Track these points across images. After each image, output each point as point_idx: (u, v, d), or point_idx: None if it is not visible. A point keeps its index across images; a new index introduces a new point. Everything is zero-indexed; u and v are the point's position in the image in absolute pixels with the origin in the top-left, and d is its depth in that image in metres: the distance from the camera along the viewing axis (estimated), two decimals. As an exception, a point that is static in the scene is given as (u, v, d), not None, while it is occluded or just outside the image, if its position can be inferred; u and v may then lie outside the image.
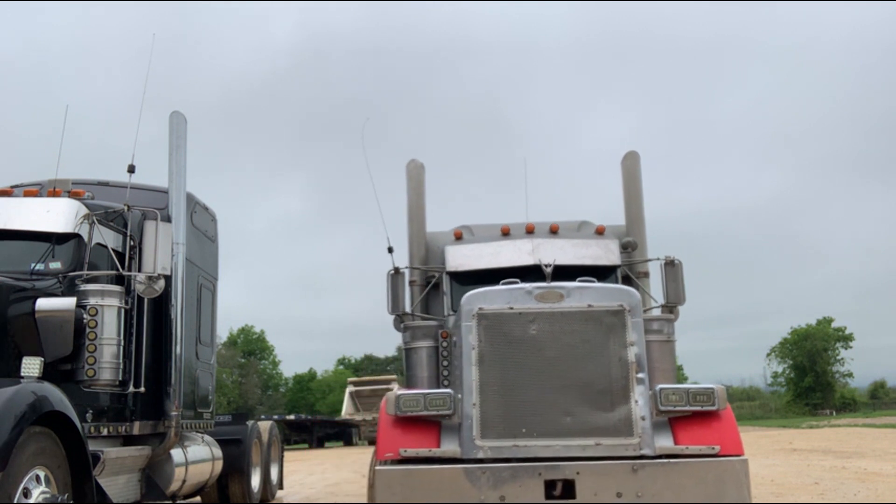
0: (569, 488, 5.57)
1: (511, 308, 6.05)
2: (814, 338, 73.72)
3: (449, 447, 5.83)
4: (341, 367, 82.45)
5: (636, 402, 5.83)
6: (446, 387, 6.81)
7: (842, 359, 75.38)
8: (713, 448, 5.72)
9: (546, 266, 6.86)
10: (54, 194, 7.13)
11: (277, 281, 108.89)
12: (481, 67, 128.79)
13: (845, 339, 75.40)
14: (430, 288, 8.04)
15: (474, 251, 7.90)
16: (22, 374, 5.23)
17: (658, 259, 7.84)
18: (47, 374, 5.47)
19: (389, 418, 6.13)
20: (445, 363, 7.07)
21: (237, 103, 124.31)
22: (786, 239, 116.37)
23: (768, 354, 77.99)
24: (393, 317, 7.96)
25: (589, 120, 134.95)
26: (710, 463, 5.66)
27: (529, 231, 7.99)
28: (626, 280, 7.80)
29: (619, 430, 5.78)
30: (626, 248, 7.99)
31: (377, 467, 5.85)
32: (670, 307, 7.43)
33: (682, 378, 77.84)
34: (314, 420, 43.38)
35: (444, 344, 7.11)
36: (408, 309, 7.87)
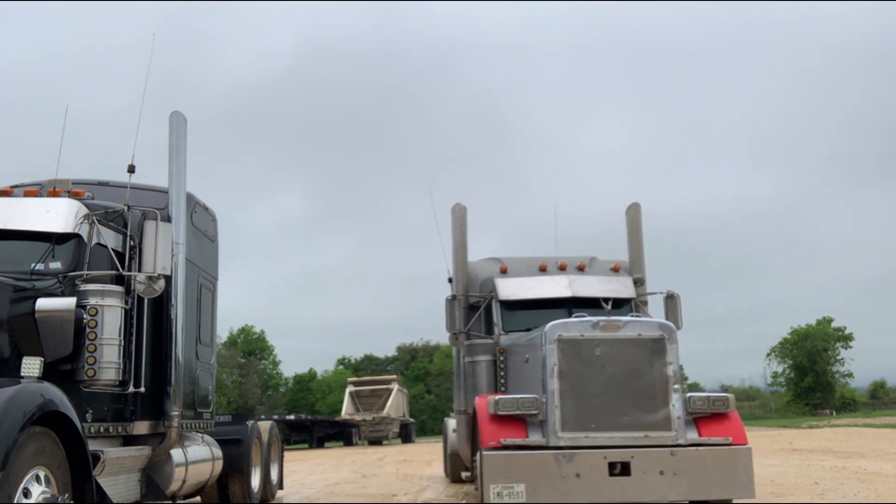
0: (625, 468, 7.41)
1: (582, 336, 7.80)
2: (814, 338, 73.64)
3: (535, 438, 7.63)
4: (341, 367, 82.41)
5: (673, 405, 7.65)
6: (503, 392, 8.77)
7: (842, 359, 75.34)
8: (727, 439, 7.66)
9: (605, 302, 9.24)
10: (54, 194, 7.12)
11: (278, 281, 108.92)
12: (482, 70, 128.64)
13: (845, 339, 75.31)
14: (476, 313, 9.95)
15: (521, 284, 9.80)
16: (22, 374, 5.23)
17: (661, 293, 9.81)
18: (47, 374, 5.46)
19: (488, 416, 7.84)
20: (502, 373, 9.09)
21: (239, 104, 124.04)
22: (785, 239, 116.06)
23: (768, 354, 77.96)
24: (449, 334, 9.88)
25: (588, 121, 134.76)
26: (725, 450, 7.59)
27: (562, 268, 10.05)
28: (636, 308, 9.67)
29: (661, 426, 7.61)
30: (636, 283, 9.89)
31: (484, 452, 7.62)
32: None
33: (680, 378, 77.95)
34: (314, 420, 43.40)
35: (501, 358, 9.14)
36: (464, 328, 9.80)
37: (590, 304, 9.27)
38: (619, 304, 9.50)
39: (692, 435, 7.67)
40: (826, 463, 15.93)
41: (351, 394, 43.37)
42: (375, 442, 42.24)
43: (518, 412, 7.72)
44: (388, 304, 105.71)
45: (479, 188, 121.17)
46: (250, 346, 74.57)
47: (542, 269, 10.02)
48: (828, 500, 9.78)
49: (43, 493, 4.82)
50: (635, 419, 7.58)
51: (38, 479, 4.81)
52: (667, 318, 9.25)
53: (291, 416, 42.88)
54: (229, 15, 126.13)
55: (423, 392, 71.82)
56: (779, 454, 19.64)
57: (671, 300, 9.64)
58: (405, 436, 45.02)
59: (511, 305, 9.68)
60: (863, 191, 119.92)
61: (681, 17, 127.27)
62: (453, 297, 9.75)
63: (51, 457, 4.95)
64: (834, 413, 65.68)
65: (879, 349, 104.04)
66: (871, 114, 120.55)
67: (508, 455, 7.47)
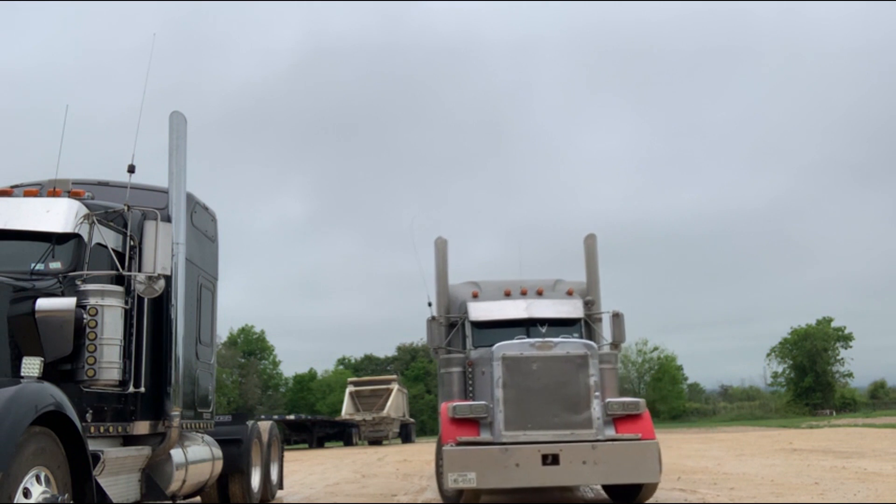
0: (555, 458, 9.08)
1: (521, 354, 9.63)
2: (814, 338, 73.53)
3: (485, 436, 9.40)
4: (341, 367, 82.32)
5: (594, 409, 9.42)
6: (471, 399, 10.28)
7: (842, 359, 75.18)
8: (637, 435, 9.35)
9: (542, 326, 11.02)
10: (54, 194, 7.12)
11: (278, 281, 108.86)
12: (483, 71, 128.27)
13: (845, 339, 75.20)
14: (454, 329, 11.53)
15: (488, 307, 11.41)
16: (22, 374, 5.24)
17: (608, 312, 11.31)
18: (47, 374, 5.47)
19: (448, 419, 9.64)
20: (470, 382, 10.49)
21: (240, 105, 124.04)
22: (785, 240, 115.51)
23: (768, 354, 77.77)
24: (431, 348, 11.45)
25: (587, 122, 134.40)
26: (636, 444, 9.27)
27: (523, 293, 11.66)
28: (587, 325, 11.33)
29: (584, 425, 9.34)
30: (588, 304, 11.53)
31: (444, 448, 9.32)
32: (616, 344, 11.01)
33: (681, 378, 78.08)
34: (314, 420, 43.40)
35: (470, 370, 10.55)
36: (441, 344, 11.31)
37: (544, 323, 11.11)
38: (571, 323, 11.23)
39: (610, 432, 9.41)
40: (826, 463, 15.93)
41: (351, 394, 43.34)
42: (375, 442, 42.24)
43: (472, 416, 9.53)
44: (388, 304, 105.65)
45: (479, 188, 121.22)
46: (250, 346, 74.50)
47: (507, 294, 11.69)
48: (828, 500, 9.78)
49: (43, 493, 4.82)
50: (563, 420, 9.33)
51: (38, 479, 4.81)
52: (613, 333, 11.04)
53: (291, 416, 42.86)
54: (231, 18, 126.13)
55: (423, 392, 71.74)
56: (779, 454, 19.64)
57: (616, 318, 11.11)
58: (405, 436, 45.02)
59: (479, 325, 11.30)
60: (862, 191, 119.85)
61: (679, 20, 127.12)
62: (433, 319, 11.40)
63: (51, 457, 4.95)
64: (834, 413, 65.61)
65: (879, 349, 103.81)
66: (867, 115, 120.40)
67: (462, 450, 9.16)
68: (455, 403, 9.77)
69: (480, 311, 11.34)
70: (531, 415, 9.35)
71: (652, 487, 9.76)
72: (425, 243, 12.05)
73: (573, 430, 9.27)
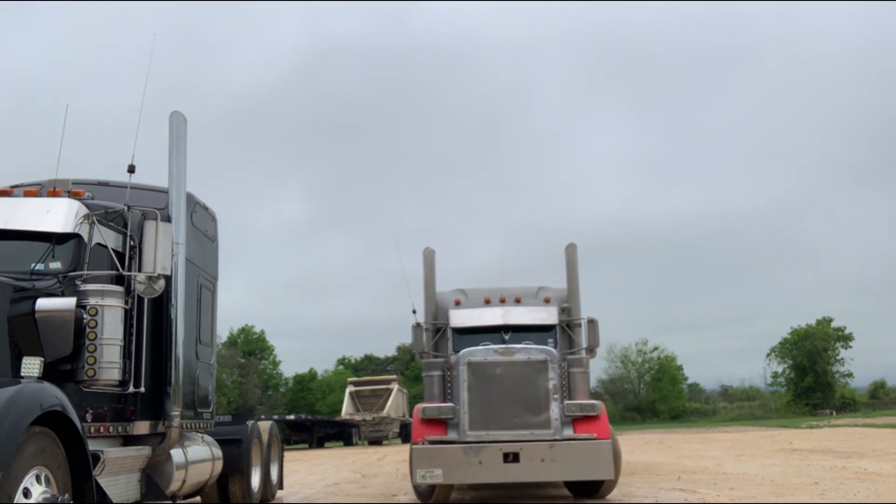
0: (516, 456, 9.75)
1: (486, 359, 10.41)
2: (814, 338, 73.54)
3: (452, 435, 10.10)
4: (341, 367, 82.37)
5: (553, 410, 10.12)
6: (449, 401, 10.77)
7: (842, 359, 75.22)
8: (592, 435, 9.97)
9: (505, 333, 11.65)
10: (54, 194, 7.12)
11: (278, 281, 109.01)
12: (484, 72, 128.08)
13: (845, 339, 75.22)
14: (439, 334, 12.06)
15: (468, 314, 12.07)
16: (22, 374, 5.23)
17: (583, 318, 11.63)
18: (47, 374, 5.47)
19: (419, 419, 10.35)
20: (449, 385, 10.92)
21: (241, 106, 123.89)
22: (785, 240, 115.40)
23: (768, 354, 77.80)
24: (416, 352, 11.92)
25: (588, 123, 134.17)
26: (591, 443, 9.91)
27: (502, 300, 12.25)
28: (563, 331, 11.77)
29: (543, 426, 10.03)
30: (564, 311, 11.96)
31: (413, 446, 10.05)
32: (590, 349, 11.28)
33: (681, 378, 77.86)
34: (314, 420, 43.43)
35: (449, 374, 11.01)
36: (425, 349, 11.69)
37: (520, 329, 11.69)
38: (546, 329, 11.80)
39: (569, 432, 10.05)
40: (826, 463, 15.93)
41: (351, 394, 43.36)
42: (375, 442, 42.25)
43: (440, 416, 10.24)
44: (388, 304, 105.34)
45: (479, 188, 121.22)
46: (250, 346, 74.51)
47: (487, 302, 12.25)
48: (828, 500, 9.78)
49: (43, 493, 4.82)
50: (524, 420, 9.99)
51: (38, 479, 4.81)
52: (587, 338, 11.35)
53: (291, 416, 42.91)
54: (231, 19, 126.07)
55: (422, 392, 71.83)
56: (779, 454, 19.64)
57: (591, 324, 11.47)
58: (405, 436, 44.94)
59: (460, 331, 11.94)
60: (862, 191, 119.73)
61: (679, 20, 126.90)
62: (418, 325, 11.84)
63: (51, 457, 4.94)
64: (834, 413, 65.60)
65: (879, 349, 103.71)
66: (867, 115, 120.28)
67: (430, 448, 9.89)
68: (425, 405, 10.47)
69: (460, 317, 12.00)
70: (494, 416, 10.02)
71: (610, 485, 10.53)
72: (416, 249, 12.47)
73: (532, 430, 9.93)
